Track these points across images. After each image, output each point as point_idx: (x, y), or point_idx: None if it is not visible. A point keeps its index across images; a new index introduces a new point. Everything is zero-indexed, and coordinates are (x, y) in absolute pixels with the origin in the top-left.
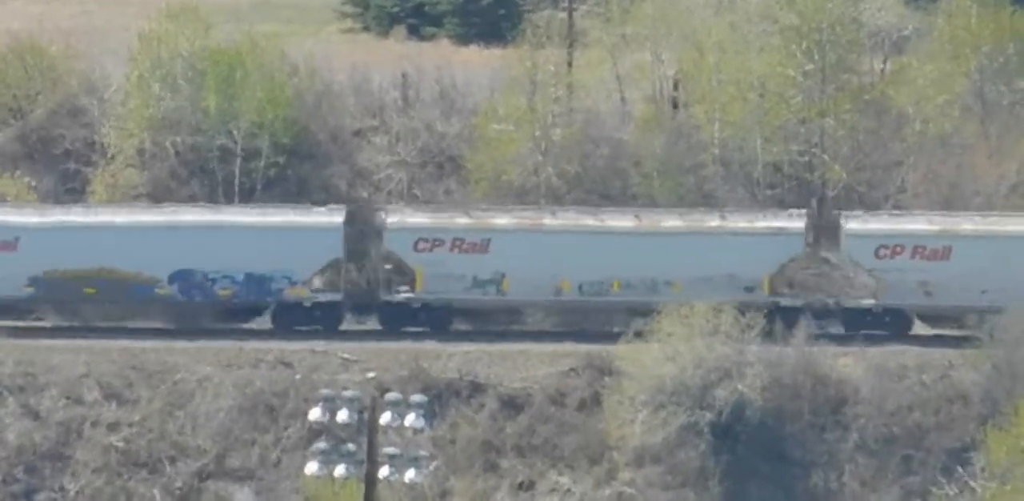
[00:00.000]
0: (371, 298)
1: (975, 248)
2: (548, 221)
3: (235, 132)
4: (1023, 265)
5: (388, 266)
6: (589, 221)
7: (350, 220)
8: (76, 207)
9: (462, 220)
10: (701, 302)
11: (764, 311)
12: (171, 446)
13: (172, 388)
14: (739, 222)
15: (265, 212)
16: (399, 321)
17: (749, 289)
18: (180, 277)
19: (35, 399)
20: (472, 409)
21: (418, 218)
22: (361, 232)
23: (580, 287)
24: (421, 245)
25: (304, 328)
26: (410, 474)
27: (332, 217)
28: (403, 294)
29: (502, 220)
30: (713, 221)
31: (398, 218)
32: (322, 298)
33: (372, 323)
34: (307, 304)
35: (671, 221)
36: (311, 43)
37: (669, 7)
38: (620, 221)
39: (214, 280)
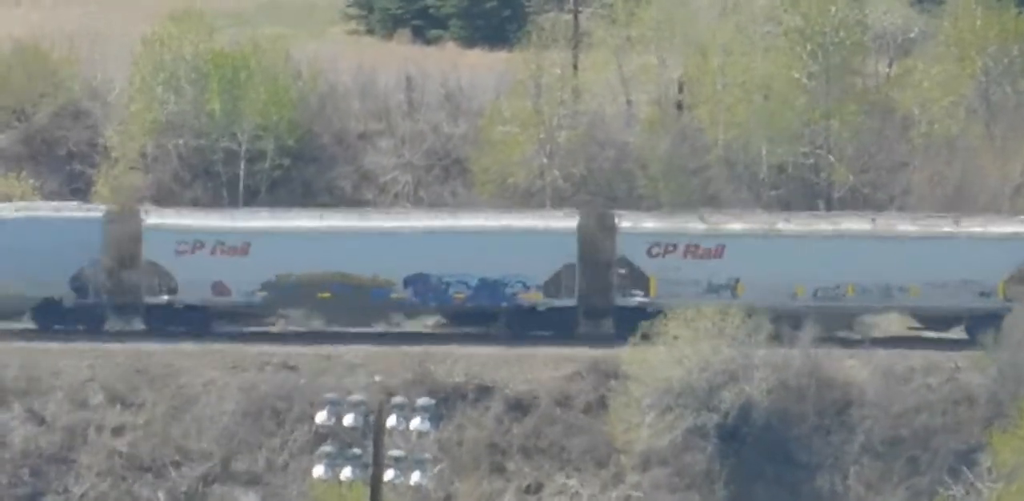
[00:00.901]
0: (605, 303)
1: None
2: (783, 226)
3: (239, 135)
4: None
5: (621, 271)
6: (824, 226)
7: (583, 224)
8: (307, 212)
9: (696, 225)
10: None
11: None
12: (176, 450)
13: (177, 392)
14: (973, 227)
15: (499, 217)
16: (634, 326)
17: (984, 294)
18: (415, 281)
19: (40, 403)
20: (478, 412)
21: (651, 223)
22: (594, 237)
23: (815, 292)
24: (654, 250)
25: (539, 333)
26: (416, 477)
27: (567, 222)
28: (637, 299)
29: (737, 225)
30: (947, 226)
31: (631, 223)
32: (556, 303)
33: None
34: (541, 309)
35: (905, 225)
36: (315, 45)
37: (674, 9)
38: (856, 225)
39: (448, 284)
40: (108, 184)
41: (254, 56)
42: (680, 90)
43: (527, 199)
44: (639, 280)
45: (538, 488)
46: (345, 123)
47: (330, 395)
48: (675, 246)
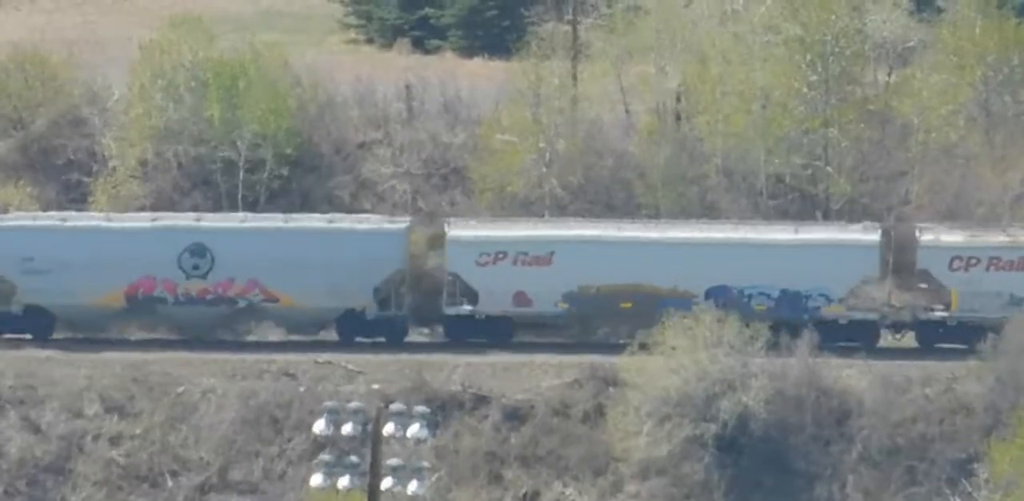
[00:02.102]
0: (909, 316)
1: None
2: None
3: (238, 143)
4: None
5: (922, 285)
6: None
7: (884, 237)
8: (605, 222)
9: (999, 238)
10: (706, 313)
11: None
12: (173, 459)
13: (174, 400)
14: None
15: (802, 229)
16: (935, 339)
17: None
18: (716, 293)
19: (36, 412)
20: (476, 420)
21: (953, 237)
22: (894, 250)
23: None
24: (955, 264)
25: (844, 344)
26: (413, 486)
27: (869, 235)
28: (939, 313)
29: None
30: None
31: (932, 236)
32: (858, 316)
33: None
34: (842, 322)
35: None
36: (314, 54)
37: (673, 19)
38: None
39: (750, 296)
40: (106, 193)
41: (253, 64)
42: (679, 99)
43: (526, 207)
44: (940, 293)
45: (535, 497)
46: (344, 132)
47: (329, 403)
48: (978, 259)
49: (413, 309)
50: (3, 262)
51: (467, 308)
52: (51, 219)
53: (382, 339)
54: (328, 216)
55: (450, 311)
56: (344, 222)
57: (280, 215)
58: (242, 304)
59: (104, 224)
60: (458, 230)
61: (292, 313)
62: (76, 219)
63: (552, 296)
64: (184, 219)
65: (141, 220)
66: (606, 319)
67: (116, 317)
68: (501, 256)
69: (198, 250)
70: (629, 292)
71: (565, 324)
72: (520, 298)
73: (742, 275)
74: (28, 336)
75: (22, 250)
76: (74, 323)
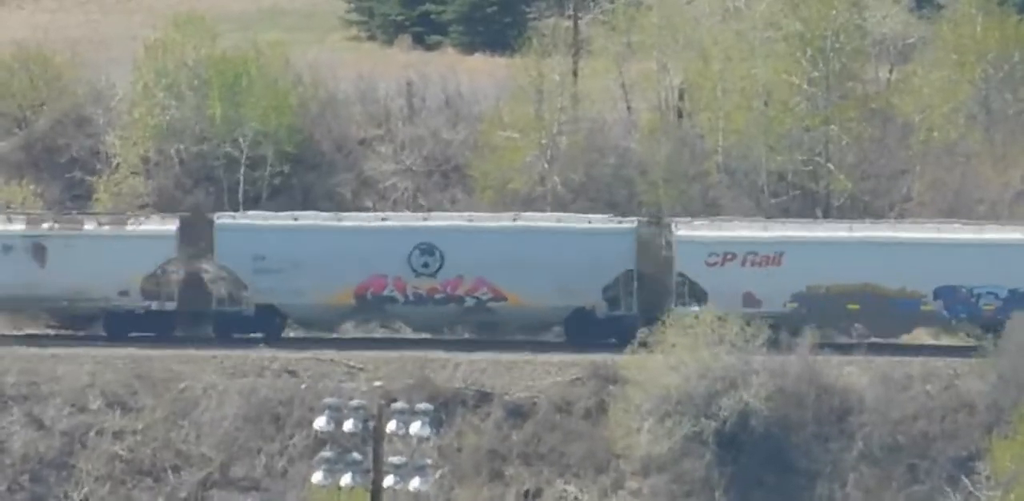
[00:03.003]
0: None
1: None
2: None
3: (240, 140)
4: None
5: None
6: None
7: None
8: (834, 222)
9: None
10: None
11: None
12: (175, 455)
13: (177, 396)
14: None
15: None
16: None
17: None
18: (944, 293)
19: (39, 408)
20: (478, 418)
21: None
22: None
23: None
24: None
25: None
26: (415, 483)
27: None
28: None
29: None
30: None
31: None
32: None
33: None
34: None
35: None
36: (316, 51)
37: (674, 16)
38: None
39: (978, 296)
40: (109, 190)
41: (255, 62)
42: (680, 96)
43: (527, 205)
44: None
45: (537, 494)
46: (345, 129)
47: (330, 400)
48: None
49: (641, 309)
50: (235, 261)
51: (695, 308)
52: (283, 218)
53: (612, 340)
54: (556, 215)
55: (679, 311)
56: (574, 221)
57: (508, 214)
58: (470, 303)
59: (335, 223)
60: (687, 230)
61: (520, 312)
62: (307, 218)
63: (781, 296)
64: (414, 218)
65: (371, 219)
66: (833, 320)
67: (346, 316)
68: (730, 257)
69: (428, 249)
70: (857, 292)
71: (793, 325)
72: (749, 298)
73: (971, 275)
74: (259, 335)
75: (254, 249)
76: (304, 322)
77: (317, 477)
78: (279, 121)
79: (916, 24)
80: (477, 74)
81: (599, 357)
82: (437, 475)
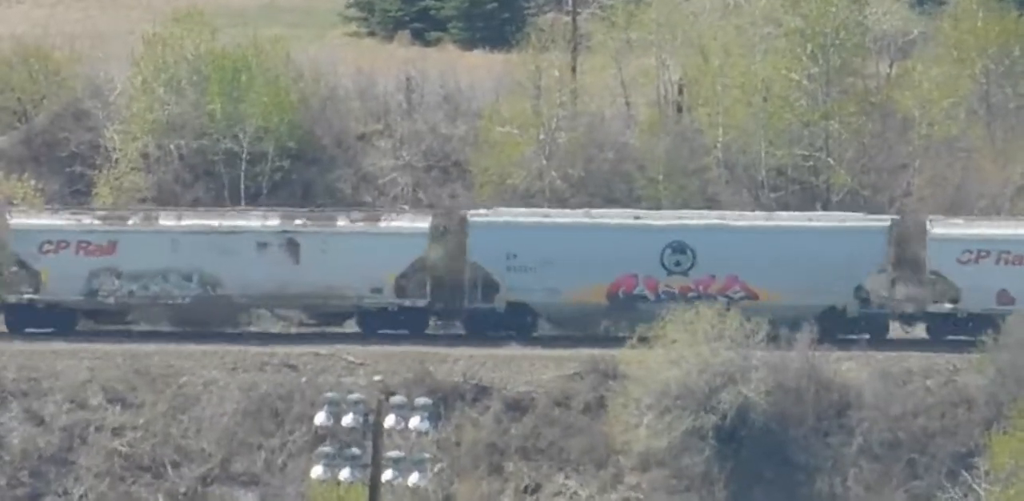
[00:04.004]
0: None
1: None
2: None
3: (240, 136)
4: None
5: None
6: None
7: None
8: None
9: None
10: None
11: None
12: (175, 450)
13: (176, 392)
14: None
15: None
16: None
17: None
18: None
19: (39, 404)
20: (477, 412)
21: None
22: None
23: None
24: None
25: None
26: (414, 477)
27: None
28: None
29: None
30: None
31: None
32: None
33: None
34: None
35: None
36: (316, 47)
37: (674, 11)
38: None
39: None
40: (109, 185)
41: (255, 58)
42: (679, 92)
43: (526, 200)
44: None
45: (537, 489)
46: (345, 125)
47: (330, 394)
48: None
49: (896, 307)
50: (488, 259)
51: (948, 306)
52: (535, 216)
53: (866, 336)
54: (808, 214)
55: (932, 309)
56: (826, 220)
57: (761, 213)
58: (722, 301)
59: (587, 221)
60: (941, 228)
61: (772, 309)
62: (559, 216)
63: None
64: (666, 217)
65: (624, 217)
66: None
67: (598, 315)
68: (984, 254)
69: (679, 247)
70: None
71: None
72: (1003, 297)
73: None
74: (512, 333)
75: (507, 247)
76: (556, 321)
77: (317, 472)
78: (279, 116)
79: (916, 20)
80: (476, 70)
81: (598, 351)
82: (436, 469)
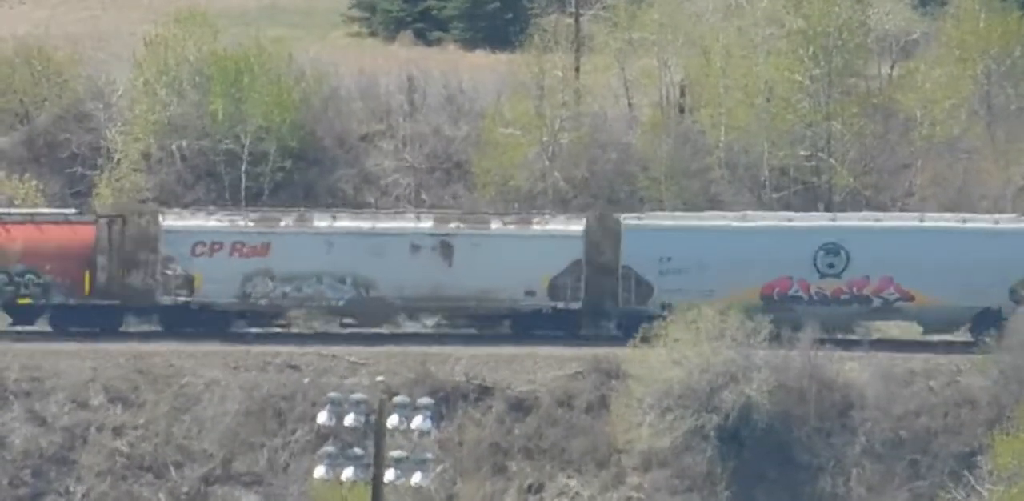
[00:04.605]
0: None
1: None
2: None
3: (242, 136)
4: None
5: None
6: None
7: None
8: None
9: None
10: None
11: None
12: (177, 450)
13: (178, 392)
14: None
15: None
16: None
17: None
18: None
19: (41, 403)
20: (479, 412)
21: None
22: None
23: None
24: None
25: None
26: (417, 477)
27: None
28: None
29: None
30: None
31: None
32: None
33: None
34: None
35: None
36: (317, 48)
37: (676, 12)
38: None
39: None
40: (110, 186)
41: (257, 58)
42: (682, 93)
43: (529, 201)
44: None
45: (539, 488)
46: (347, 125)
47: (332, 394)
48: None
49: None
50: (641, 262)
51: None
52: (689, 219)
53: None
54: (960, 215)
55: None
56: (980, 222)
57: (913, 214)
58: (876, 303)
59: (741, 224)
60: None
61: (926, 311)
62: (712, 219)
63: None
64: (819, 218)
65: (777, 219)
66: None
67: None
68: None
69: (832, 249)
70: None
71: None
72: None
73: None
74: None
75: (660, 250)
76: None
77: (319, 472)
78: (281, 117)
79: (918, 20)
80: (479, 70)
81: (601, 351)
82: (438, 469)
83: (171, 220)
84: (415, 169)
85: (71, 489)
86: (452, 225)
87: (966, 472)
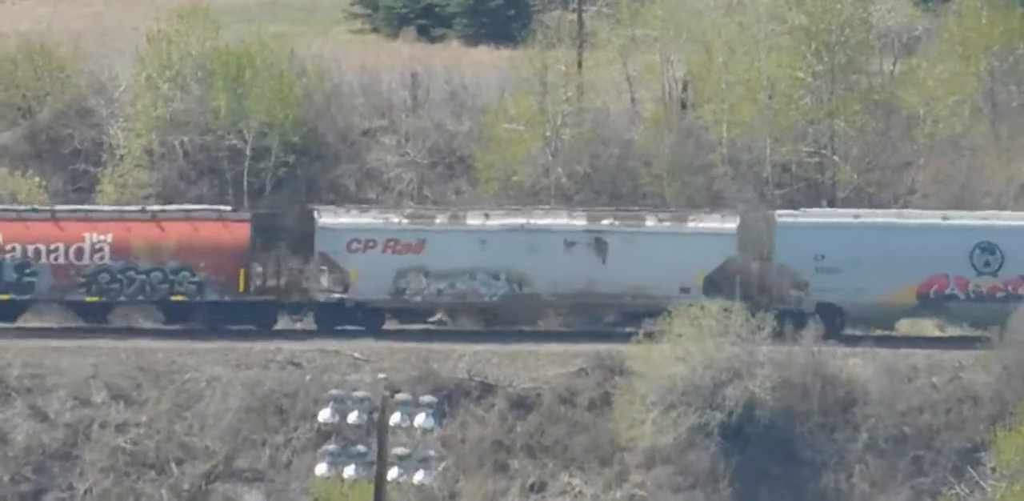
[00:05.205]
0: None
1: None
2: None
3: (244, 132)
4: None
5: None
6: None
7: None
8: None
9: None
10: (711, 303)
11: None
12: (179, 447)
13: (180, 389)
14: None
15: None
16: None
17: None
18: None
19: (43, 400)
20: (482, 409)
21: None
22: None
23: None
24: None
25: None
26: (419, 475)
27: None
28: None
29: None
30: None
31: None
32: None
33: None
34: None
35: None
36: (320, 43)
37: (679, 8)
38: None
39: None
40: (113, 182)
41: (259, 54)
42: (684, 88)
43: (532, 197)
44: None
45: (542, 486)
46: (349, 121)
47: (334, 391)
48: None
49: None
50: (796, 259)
51: None
52: (844, 216)
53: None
54: None
55: None
56: None
57: None
58: None
59: (896, 221)
60: None
61: None
62: (868, 216)
63: None
64: (974, 217)
65: (932, 217)
66: None
67: (906, 314)
68: None
69: (988, 247)
70: None
71: None
72: None
73: None
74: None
75: (815, 248)
76: (862, 320)
77: (321, 469)
78: (283, 113)
79: (921, 17)
80: (481, 66)
81: (603, 348)
82: (441, 467)
83: (326, 217)
84: (417, 164)
85: (73, 485)
86: (606, 222)
87: (969, 468)
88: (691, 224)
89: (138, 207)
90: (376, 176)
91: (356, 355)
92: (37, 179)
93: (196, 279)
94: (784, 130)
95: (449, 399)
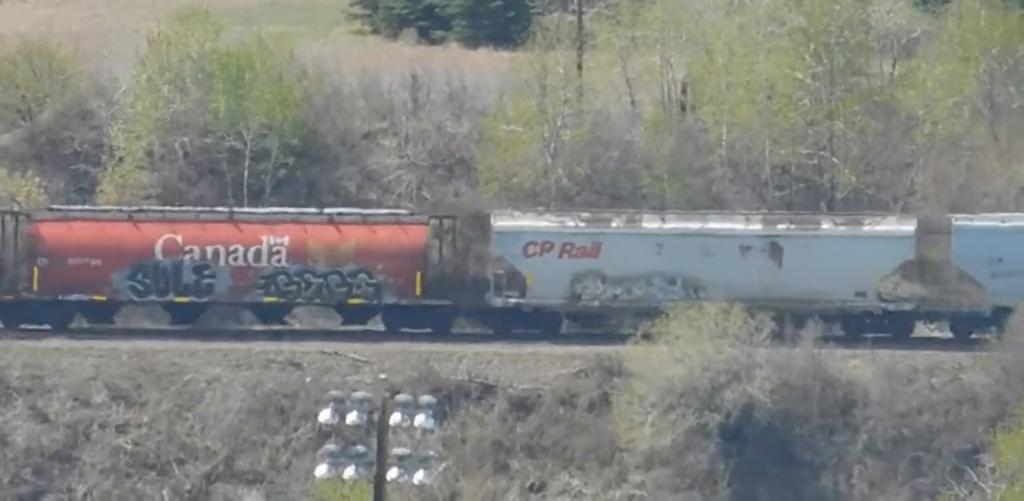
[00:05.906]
0: None
1: None
2: None
3: (244, 133)
4: None
5: None
6: None
7: None
8: None
9: None
10: (710, 304)
11: None
12: (180, 448)
13: (181, 389)
14: None
15: None
16: None
17: None
18: None
19: (43, 401)
20: (482, 410)
21: None
22: None
23: None
24: None
25: None
26: (420, 475)
27: None
28: None
29: None
30: None
31: None
32: None
33: None
34: None
35: None
36: (320, 45)
37: (678, 10)
38: None
39: None
40: (113, 183)
41: (259, 56)
42: (684, 90)
43: (531, 198)
44: None
45: (541, 487)
46: (349, 122)
47: (334, 392)
48: None
49: None
50: (972, 263)
51: None
52: (1021, 220)
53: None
54: None
55: None
56: None
57: None
58: None
59: None
60: None
61: None
62: None
63: None
64: None
65: None
66: None
67: None
68: None
69: None
70: None
71: None
72: None
73: None
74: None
75: (992, 251)
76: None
77: (321, 470)
78: (283, 114)
79: (920, 18)
80: (481, 68)
81: (603, 349)
82: (441, 468)
83: (503, 220)
84: (417, 166)
85: (73, 487)
86: (782, 226)
87: (968, 469)
88: (867, 228)
89: (315, 209)
90: (376, 178)
91: (356, 356)
92: (37, 180)
93: (374, 282)
94: (783, 132)
95: (449, 400)
